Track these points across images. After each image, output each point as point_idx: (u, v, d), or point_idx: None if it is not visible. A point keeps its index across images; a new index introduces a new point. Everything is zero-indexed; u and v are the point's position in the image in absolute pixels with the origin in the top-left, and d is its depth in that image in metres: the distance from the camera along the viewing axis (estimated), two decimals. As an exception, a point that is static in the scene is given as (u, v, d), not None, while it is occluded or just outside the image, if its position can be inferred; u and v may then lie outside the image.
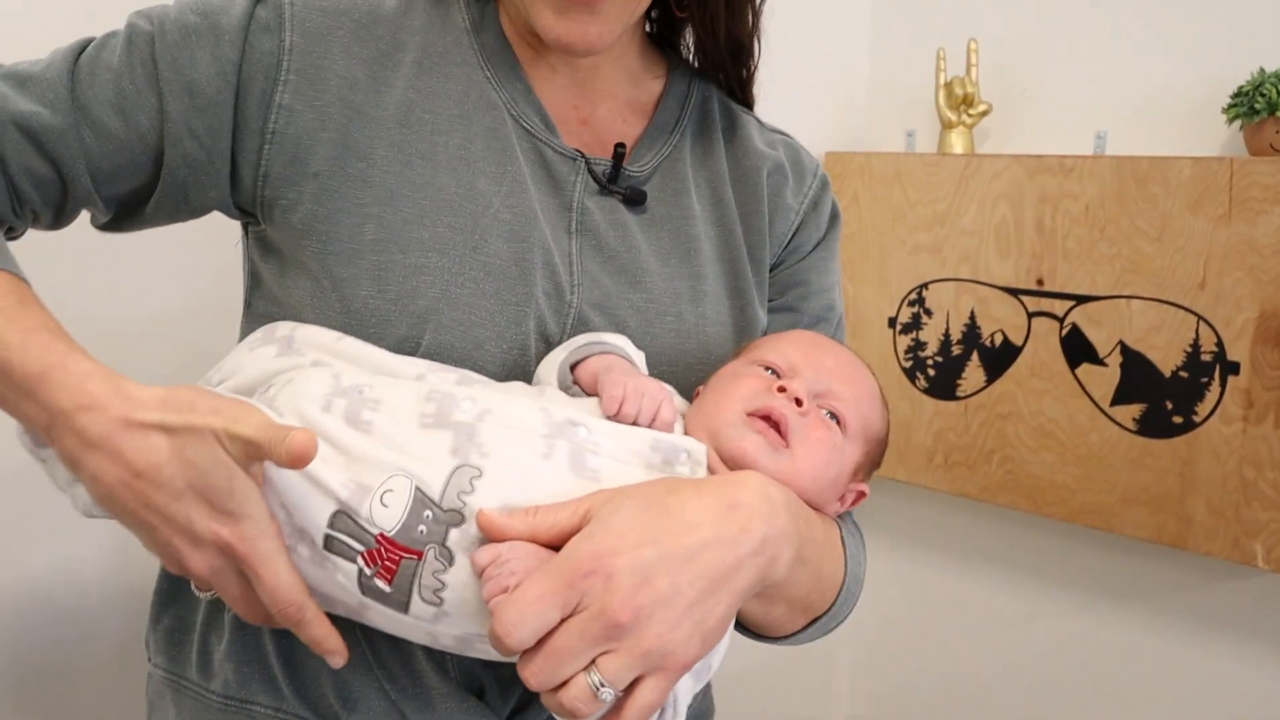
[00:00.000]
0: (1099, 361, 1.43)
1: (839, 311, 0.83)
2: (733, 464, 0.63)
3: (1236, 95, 1.35)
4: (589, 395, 0.65)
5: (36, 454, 0.64)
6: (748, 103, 0.83)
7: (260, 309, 0.73)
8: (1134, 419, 1.40)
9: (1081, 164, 1.42)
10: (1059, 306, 1.46)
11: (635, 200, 0.73)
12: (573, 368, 0.66)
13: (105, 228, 0.73)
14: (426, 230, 0.67)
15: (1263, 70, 1.33)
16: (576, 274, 0.70)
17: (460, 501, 0.56)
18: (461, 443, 0.58)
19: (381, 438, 0.59)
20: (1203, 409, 1.34)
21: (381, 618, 0.59)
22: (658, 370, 0.70)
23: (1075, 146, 1.54)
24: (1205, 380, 1.34)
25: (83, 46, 0.68)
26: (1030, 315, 1.49)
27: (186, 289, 1.14)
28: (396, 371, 0.63)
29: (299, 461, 0.54)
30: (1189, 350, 1.35)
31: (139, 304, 1.10)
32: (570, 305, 0.70)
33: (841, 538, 0.71)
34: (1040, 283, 1.47)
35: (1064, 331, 1.46)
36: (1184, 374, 1.36)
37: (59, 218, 0.70)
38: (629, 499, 0.56)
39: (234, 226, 0.76)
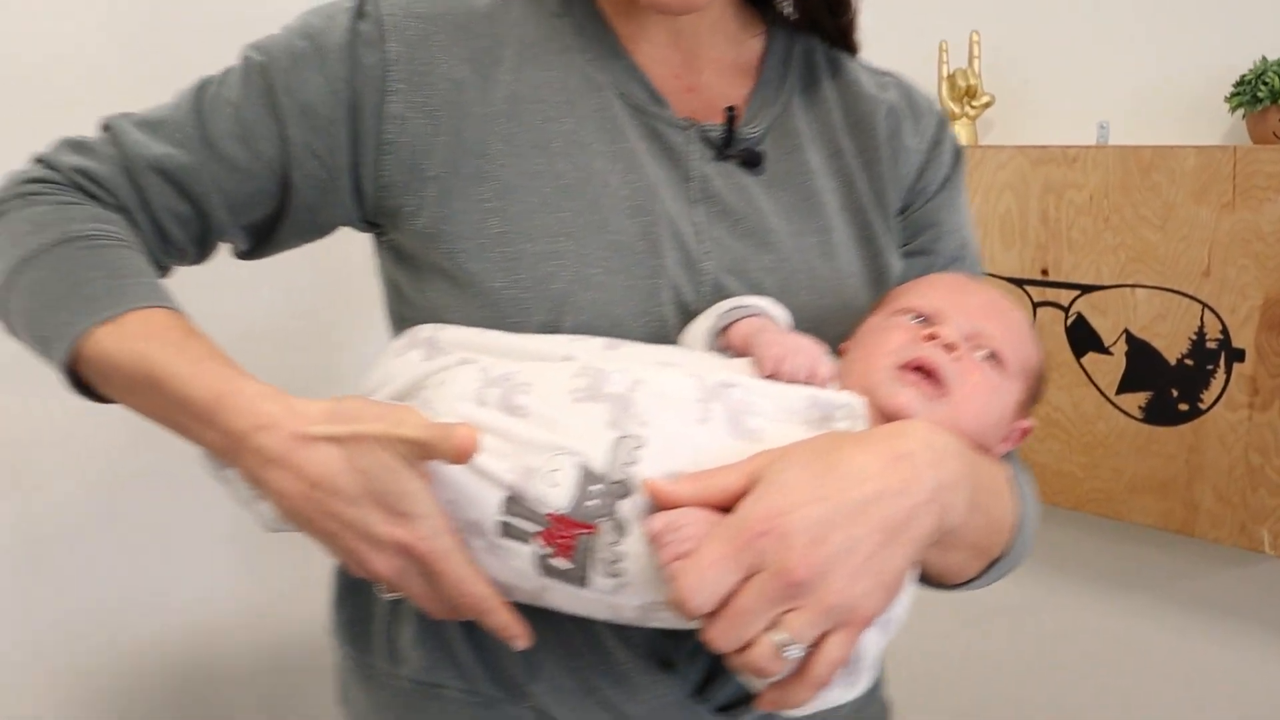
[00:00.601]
0: (1104, 350, 1.44)
1: (974, 249, 0.81)
2: (891, 419, 0.62)
3: (1239, 84, 1.35)
4: (740, 358, 0.65)
5: (219, 477, 0.66)
6: (851, 49, 0.82)
7: (403, 314, 0.74)
8: (1140, 407, 1.41)
9: (1085, 154, 1.43)
10: (1064, 296, 1.47)
11: (752, 162, 0.73)
12: (722, 332, 0.66)
13: (244, 256, 0.76)
14: (550, 216, 0.67)
15: (1265, 59, 1.33)
16: (706, 241, 0.70)
17: (625, 473, 0.57)
18: (618, 414, 0.58)
19: (538, 420, 0.59)
20: (1208, 396, 1.35)
21: (562, 597, 0.60)
22: (799, 328, 0.69)
23: (1078, 137, 1.54)
24: (1210, 367, 1.35)
25: (204, 85, 0.71)
26: (1035, 305, 1.50)
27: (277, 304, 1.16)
28: (542, 354, 0.64)
29: (464, 456, 0.56)
30: (1194, 338, 1.36)
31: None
32: (704, 273, 0.69)
33: (1010, 477, 0.69)
34: (1045, 273, 1.48)
35: (1069, 321, 1.46)
36: (1189, 361, 1.37)
37: (202, 252, 0.73)
38: (794, 457, 0.56)
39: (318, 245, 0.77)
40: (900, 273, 0.77)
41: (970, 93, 1.59)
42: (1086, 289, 1.44)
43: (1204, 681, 1.52)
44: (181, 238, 0.70)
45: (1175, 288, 1.36)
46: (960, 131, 1.61)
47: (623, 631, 0.67)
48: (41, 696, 1.07)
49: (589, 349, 0.64)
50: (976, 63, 1.58)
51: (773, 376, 0.62)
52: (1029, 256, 1.49)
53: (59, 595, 1.09)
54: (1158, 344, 1.39)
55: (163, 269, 0.71)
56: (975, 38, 1.58)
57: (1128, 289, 1.41)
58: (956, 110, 1.60)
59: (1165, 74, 1.49)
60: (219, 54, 0.73)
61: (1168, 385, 1.39)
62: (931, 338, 0.64)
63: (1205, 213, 1.33)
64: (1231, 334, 1.33)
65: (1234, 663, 1.49)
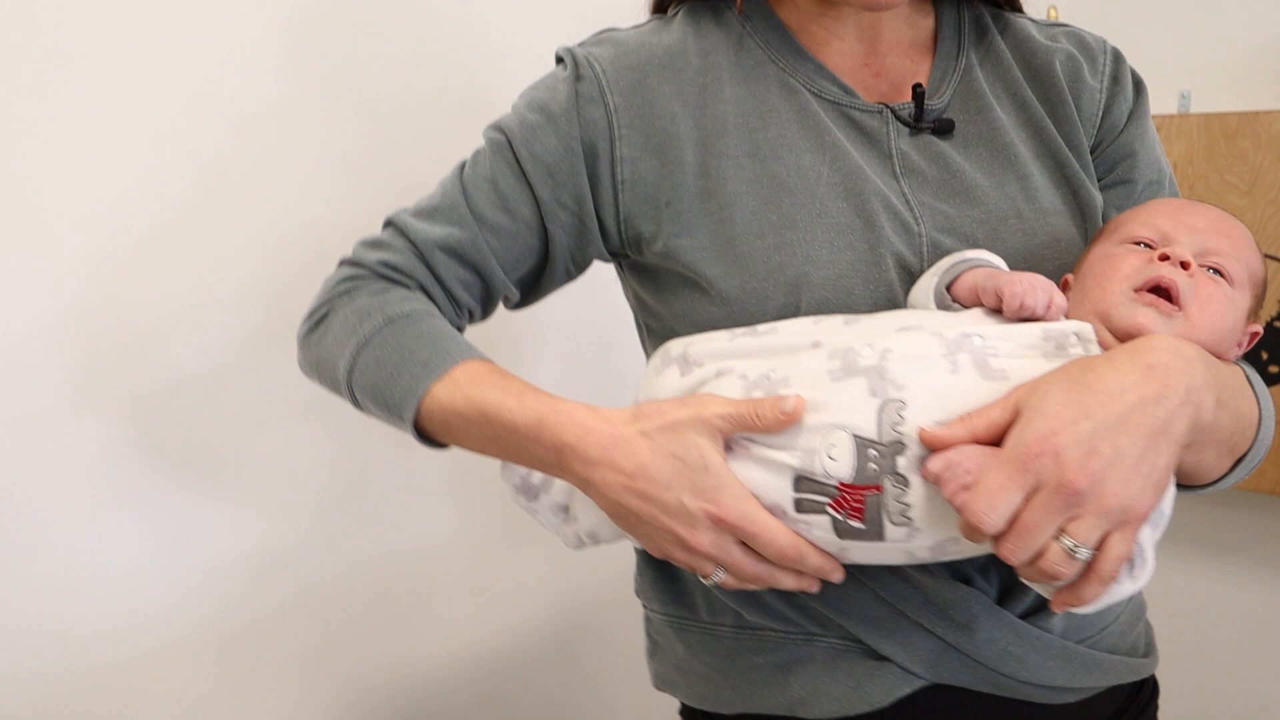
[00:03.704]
0: (1192, 316, 1.45)
1: (1168, 172, 0.84)
2: (1128, 340, 0.65)
3: (1325, 47, 1.35)
4: (968, 309, 0.70)
5: (529, 509, 0.79)
6: (1016, 7, 0.86)
7: (652, 326, 0.84)
8: (1230, 371, 1.43)
9: (1169, 123, 1.44)
10: (1150, 264, 1.48)
11: (945, 130, 0.78)
12: (948, 288, 0.71)
13: (515, 307, 0.86)
14: (775, 214, 0.75)
15: (1351, 20, 1.34)
16: (915, 207, 0.76)
17: (896, 433, 0.62)
18: (876, 383, 0.63)
19: (805, 407, 0.65)
20: (1300, 358, 1.36)
21: (861, 552, 0.66)
22: (1016, 269, 0.72)
23: (1160, 106, 1.55)
24: (1302, 329, 1.36)
25: (460, 169, 0.81)
26: (1120, 274, 1.51)
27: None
28: (789, 346, 0.69)
29: (795, 416, 0.64)
30: (1284, 301, 1.37)
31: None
32: (919, 236, 0.75)
33: (1247, 377, 0.73)
34: (1130, 242, 1.50)
35: (1155, 288, 1.48)
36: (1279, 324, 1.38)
37: (486, 310, 0.84)
38: (1051, 384, 0.61)
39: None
40: (1102, 204, 0.81)
41: (1049, 67, 1.61)
42: (1172, 256, 1.46)
43: (1300, 643, 1.52)
44: (469, 301, 0.82)
45: (1265, 252, 1.37)
46: (1039, 106, 1.62)
47: (920, 565, 0.73)
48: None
49: (830, 328, 0.70)
50: (1054, 37, 1.60)
51: (1019, 311, 0.67)
52: (1113, 226, 1.51)
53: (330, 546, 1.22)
54: (1247, 308, 1.41)
55: (460, 330, 0.83)
56: (1053, 13, 1.60)
57: (1215, 255, 1.42)
58: (1035, 85, 1.62)
59: (1246, 41, 1.49)
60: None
61: (1259, 348, 1.40)
62: (1165, 258, 0.67)
63: (1293, 176, 1.34)
64: (1322, 295, 1.33)
65: (1330, 623, 1.49)
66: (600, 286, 0.95)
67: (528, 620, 1.43)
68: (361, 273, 0.80)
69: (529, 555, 1.40)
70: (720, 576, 0.69)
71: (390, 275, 0.79)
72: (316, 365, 0.80)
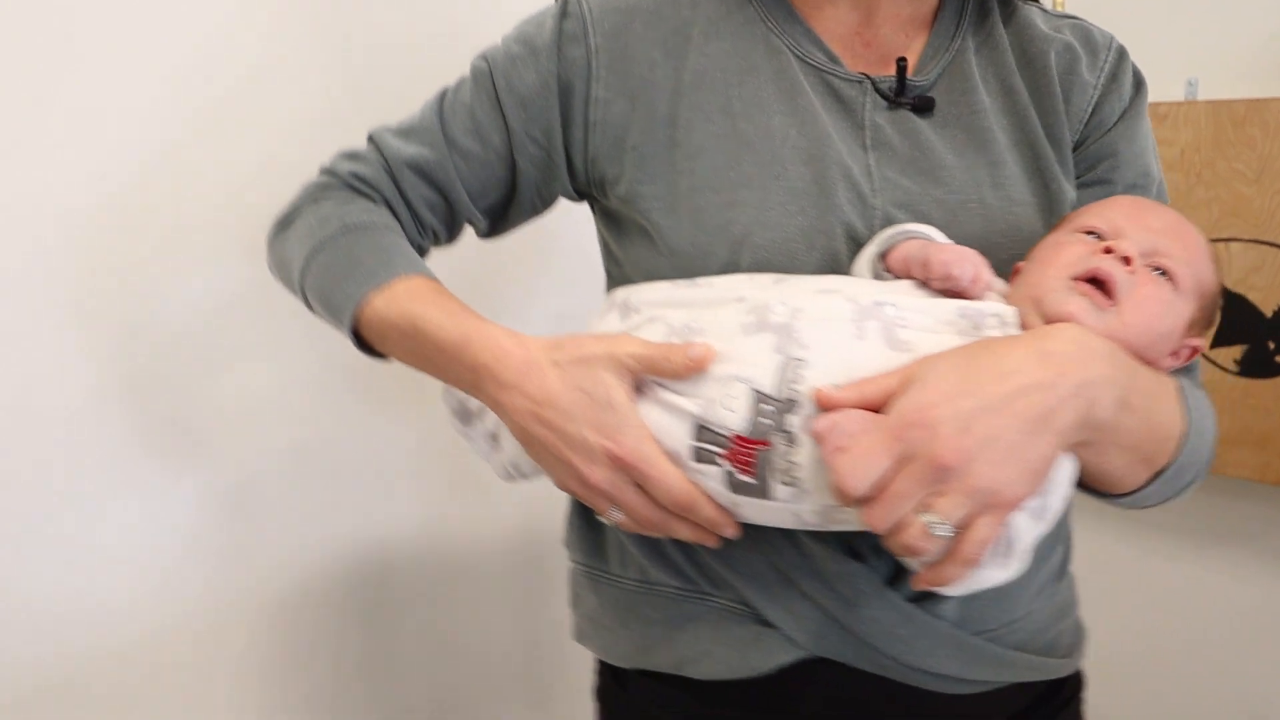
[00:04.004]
0: (1198, 305, 1.44)
1: (1156, 178, 0.83)
2: None
3: (1334, 33, 1.34)
4: (900, 280, 0.69)
5: (463, 432, 0.81)
6: None
7: (613, 274, 0.86)
8: (1235, 360, 1.42)
9: (1175, 110, 1.43)
10: (1155, 253, 1.47)
11: (924, 107, 0.77)
12: (883, 258, 0.70)
13: (484, 236, 0.88)
14: (733, 171, 0.75)
15: (1361, 7, 1.33)
16: (876, 180, 0.75)
17: (792, 391, 0.62)
18: (782, 340, 0.64)
19: (713, 356, 0.65)
20: (1306, 347, 1.36)
21: (752, 510, 0.66)
22: None
23: (1167, 94, 1.54)
24: (1308, 319, 1.35)
25: (443, 94, 0.84)
26: (1126, 263, 1.50)
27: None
28: (719, 299, 0.70)
29: (701, 365, 0.64)
30: (1291, 290, 1.36)
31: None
32: (874, 208, 0.74)
33: (1179, 389, 0.71)
34: (1136, 230, 1.49)
35: (1161, 277, 1.47)
36: (1286, 313, 1.37)
37: (450, 234, 0.87)
38: (946, 359, 0.61)
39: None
40: (1077, 201, 0.80)
41: (1055, 54, 1.60)
42: (1179, 245, 1.45)
43: (1303, 635, 1.52)
44: (433, 221, 0.84)
45: (1271, 240, 1.36)
46: (1045, 93, 1.61)
47: (817, 535, 0.73)
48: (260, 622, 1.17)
49: (760, 285, 0.70)
50: (1061, 24, 1.59)
51: (942, 281, 0.66)
52: (1119, 215, 1.50)
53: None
54: (1253, 297, 1.40)
55: (421, 250, 0.85)
56: (1060, 4, 1.59)
57: (1221, 243, 1.41)
58: (1041, 72, 1.61)
59: (1254, 27, 1.48)
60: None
61: (1264, 338, 1.39)
62: (1109, 251, 0.66)
63: (1301, 164, 1.33)
64: (1330, 284, 1.33)
65: (1335, 615, 1.49)
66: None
67: (494, 604, 1.42)
68: (333, 181, 0.83)
69: (494, 540, 1.40)
70: (617, 516, 0.69)
71: (358, 187, 0.82)
72: (278, 265, 0.83)
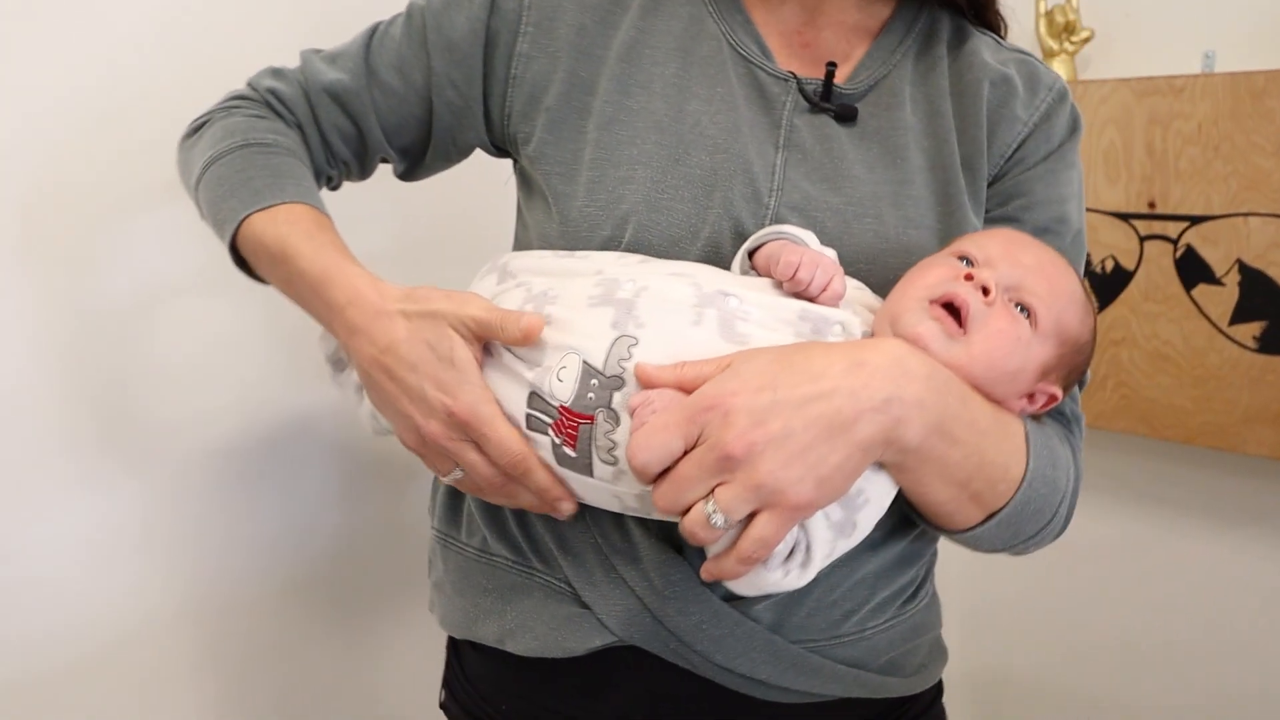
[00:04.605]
0: (1216, 281, 1.42)
1: (1074, 227, 0.80)
2: None
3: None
4: (761, 278, 0.69)
5: (335, 380, 0.81)
6: (990, 25, 0.83)
7: (519, 235, 0.86)
8: (1254, 337, 1.40)
9: (1193, 83, 1.41)
10: (1172, 229, 1.45)
11: (846, 116, 0.77)
12: (751, 255, 0.70)
13: (402, 177, 0.89)
14: (635, 148, 0.75)
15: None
16: (778, 181, 0.75)
17: (620, 368, 0.62)
18: (621, 316, 0.64)
19: (558, 325, 0.66)
20: (1327, 323, 1.34)
21: (578, 486, 0.66)
22: (855, 269, 0.73)
23: (1183, 67, 1.52)
24: (1329, 294, 1.33)
25: (376, 26, 0.84)
26: (1142, 239, 1.49)
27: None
28: (582, 271, 0.70)
29: (529, 337, 0.64)
30: (1311, 264, 1.34)
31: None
32: (767, 208, 0.74)
33: (1026, 434, 0.70)
34: (1152, 205, 1.47)
35: (1178, 253, 1.45)
36: (1306, 289, 1.35)
37: (363, 168, 0.87)
38: (766, 353, 0.61)
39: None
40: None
41: (1069, 28, 1.57)
42: (1196, 220, 1.43)
43: (1324, 613, 1.50)
44: (345, 151, 0.83)
45: (1291, 214, 1.34)
46: (1059, 68, 1.59)
47: (645, 521, 0.73)
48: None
49: (625, 264, 0.70)
50: (1075, -3, 1.56)
51: (791, 282, 0.66)
52: (1135, 190, 1.48)
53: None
54: (1272, 272, 1.37)
55: (329, 179, 0.85)
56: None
57: (1240, 218, 1.39)
58: (1055, 47, 1.59)
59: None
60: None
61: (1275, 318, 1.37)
62: (969, 278, 0.65)
63: (1322, 136, 1.30)
64: (1351, 258, 1.30)
65: (1355, 593, 1.47)
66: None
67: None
68: (251, 95, 0.83)
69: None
70: (457, 474, 0.69)
71: (273, 104, 0.82)
72: (181, 168, 0.83)
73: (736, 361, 0.60)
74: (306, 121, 0.82)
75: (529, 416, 0.65)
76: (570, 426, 0.63)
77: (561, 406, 0.63)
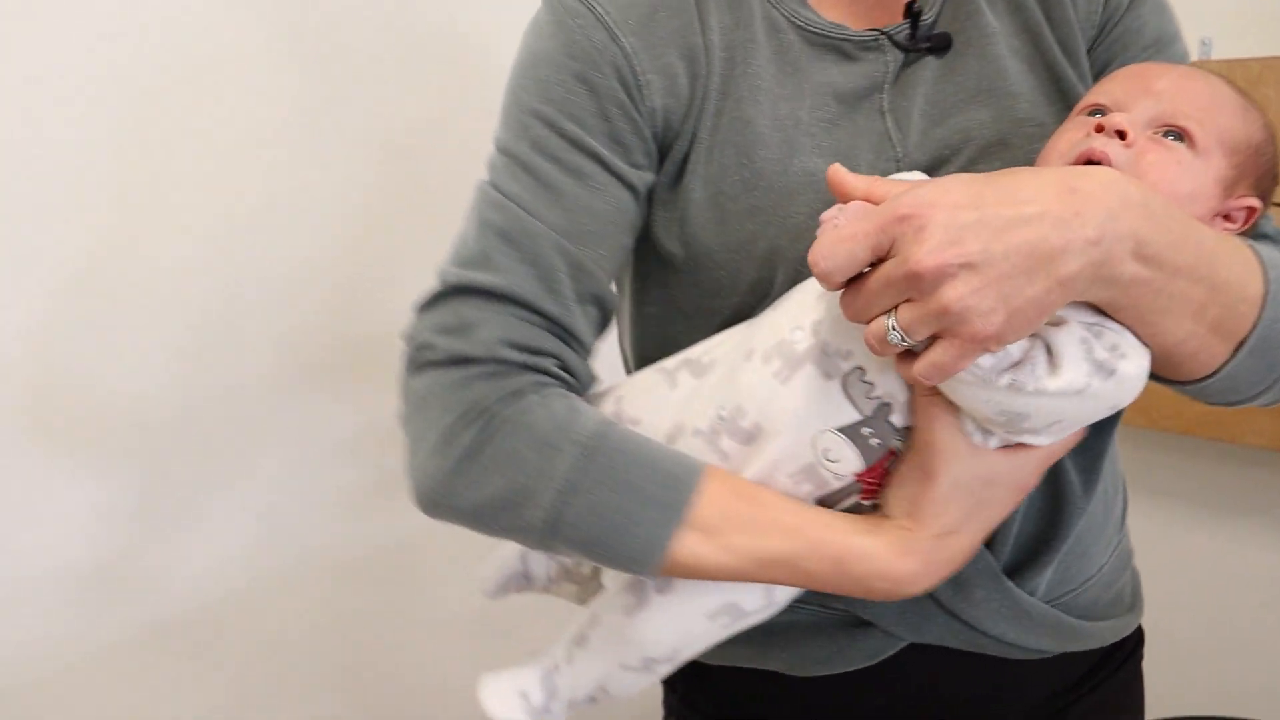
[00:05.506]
0: (1213, 271, 1.41)
1: (1177, 43, 0.74)
2: None
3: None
4: None
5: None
6: None
7: (635, 330, 0.79)
8: (1252, 327, 1.39)
9: (1188, 71, 1.40)
10: (1169, 218, 1.44)
11: (942, 46, 0.71)
12: None
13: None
14: (747, 170, 0.68)
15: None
16: (898, 146, 0.69)
17: (872, 400, 0.60)
18: (823, 363, 0.61)
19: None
20: (1325, 312, 1.33)
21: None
22: None
23: (1179, 55, 1.51)
24: (1327, 282, 1.32)
25: (486, 205, 0.70)
26: (1139, 229, 1.48)
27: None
28: (730, 367, 0.65)
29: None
30: (1308, 253, 1.33)
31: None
32: (901, 164, 0.69)
33: (1254, 249, 0.62)
34: (1148, 195, 1.46)
35: (1175, 243, 1.44)
36: (1304, 277, 1.34)
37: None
38: (966, 176, 0.55)
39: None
40: None
41: (1064, 17, 1.56)
42: (1192, 209, 1.42)
43: (1325, 603, 1.50)
44: (592, 341, 0.70)
45: (1287, 202, 1.33)
46: (1054, 57, 1.58)
47: None
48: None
49: (746, 332, 0.66)
50: (1069, -15, 1.55)
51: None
52: (1131, 180, 1.47)
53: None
54: (1269, 261, 1.37)
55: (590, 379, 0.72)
56: None
57: (1236, 207, 1.38)
58: (1050, 36, 1.58)
59: (1269, -16, 1.45)
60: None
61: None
62: (1099, 129, 0.60)
63: (1318, 123, 1.29)
64: (1348, 247, 1.30)
65: (1356, 583, 1.47)
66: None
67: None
68: (528, 375, 0.65)
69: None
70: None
71: (555, 373, 0.66)
72: (478, 512, 0.63)
73: (935, 180, 0.55)
74: (564, 351, 0.67)
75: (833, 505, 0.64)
76: (878, 479, 0.62)
77: (857, 475, 0.61)
